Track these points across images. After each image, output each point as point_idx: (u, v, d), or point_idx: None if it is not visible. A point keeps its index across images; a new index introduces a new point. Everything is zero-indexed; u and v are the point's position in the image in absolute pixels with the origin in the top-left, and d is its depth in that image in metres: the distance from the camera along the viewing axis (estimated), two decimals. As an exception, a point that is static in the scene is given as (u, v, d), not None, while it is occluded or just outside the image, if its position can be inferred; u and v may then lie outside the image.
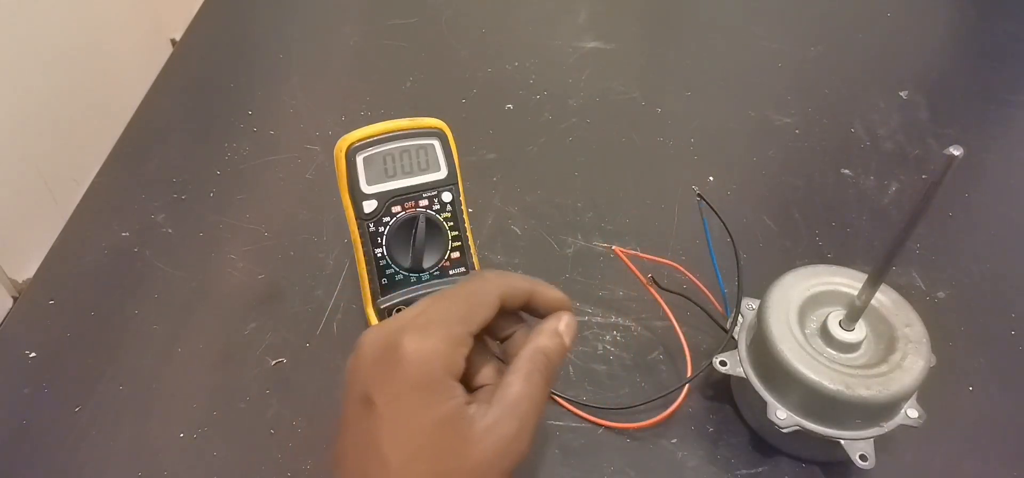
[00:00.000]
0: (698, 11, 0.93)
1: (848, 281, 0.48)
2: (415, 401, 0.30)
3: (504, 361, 0.36)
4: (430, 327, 0.32)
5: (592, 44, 0.83)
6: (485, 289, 0.34)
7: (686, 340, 0.52)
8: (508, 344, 0.36)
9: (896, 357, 0.44)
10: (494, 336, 0.36)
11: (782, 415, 0.45)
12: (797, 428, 0.44)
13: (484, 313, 0.33)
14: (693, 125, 0.73)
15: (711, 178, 0.67)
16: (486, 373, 0.34)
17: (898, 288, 0.48)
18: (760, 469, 0.47)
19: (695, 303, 0.53)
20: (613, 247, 0.59)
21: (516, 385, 0.32)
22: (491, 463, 0.30)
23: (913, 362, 0.44)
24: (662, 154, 0.70)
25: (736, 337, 0.50)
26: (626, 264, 0.57)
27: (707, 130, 0.72)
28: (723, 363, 0.48)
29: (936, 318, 0.48)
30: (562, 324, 0.35)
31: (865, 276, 0.45)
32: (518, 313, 0.36)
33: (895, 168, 0.69)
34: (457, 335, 0.32)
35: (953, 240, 0.62)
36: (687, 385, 0.50)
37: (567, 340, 0.35)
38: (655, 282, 0.54)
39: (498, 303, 0.34)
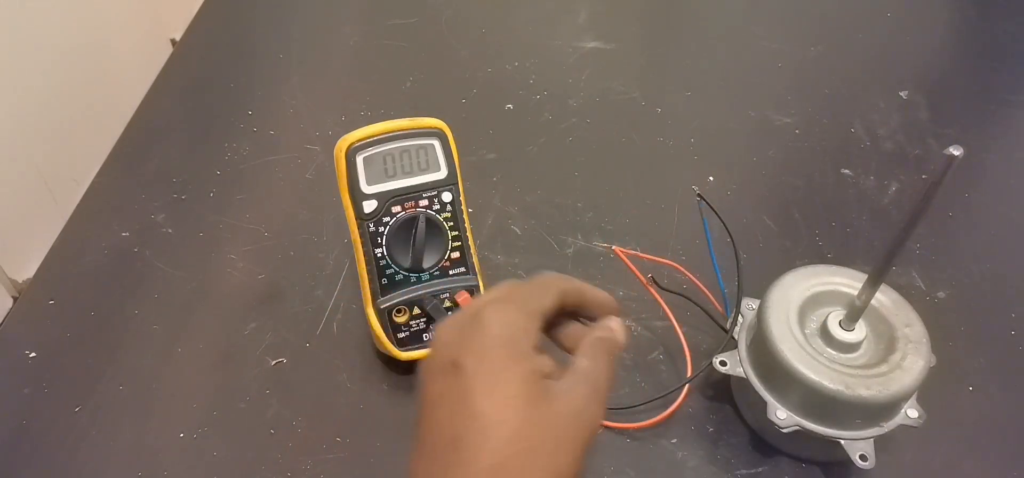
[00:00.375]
0: (698, 11, 0.93)
1: (848, 281, 0.48)
2: (503, 356, 0.33)
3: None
4: (507, 301, 0.35)
5: (592, 44, 0.83)
6: (549, 281, 0.37)
7: (686, 340, 0.52)
8: (565, 338, 0.38)
9: (896, 357, 0.44)
10: (552, 337, 0.38)
11: (782, 415, 0.45)
12: (797, 428, 0.44)
13: (551, 299, 0.36)
14: (693, 125, 0.73)
15: (711, 178, 0.67)
16: (549, 363, 0.36)
17: (898, 288, 0.48)
18: (760, 469, 0.47)
19: (695, 303, 0.53)
20: (613, 247, 0.59)
21: (584, 362, 0.35)
22: (570, 422, 0.33)
23: (913, 362, 0.44)
24: (662, 154, 0.70)
25: (736, 337, 0.50)
26: (626, 264, 0.57)
27: (707, 130, 0.72)
28: (723, 363, 0.48)
29: (936, 318, 0.48)
30: (615, 323, 0.37)
31: (865, 276, 0.45)
32: (574, 315, 0.38)
33: (895, 168, 0.69)
34: (531, 310, 0.35)
35: (953, 240, 0.62)
36: (687, 385, 0.50)
37: (621, 337, 0.37)
38: (655, 282, 0.54)
39: (560, 296, 0.36)
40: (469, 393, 0.32)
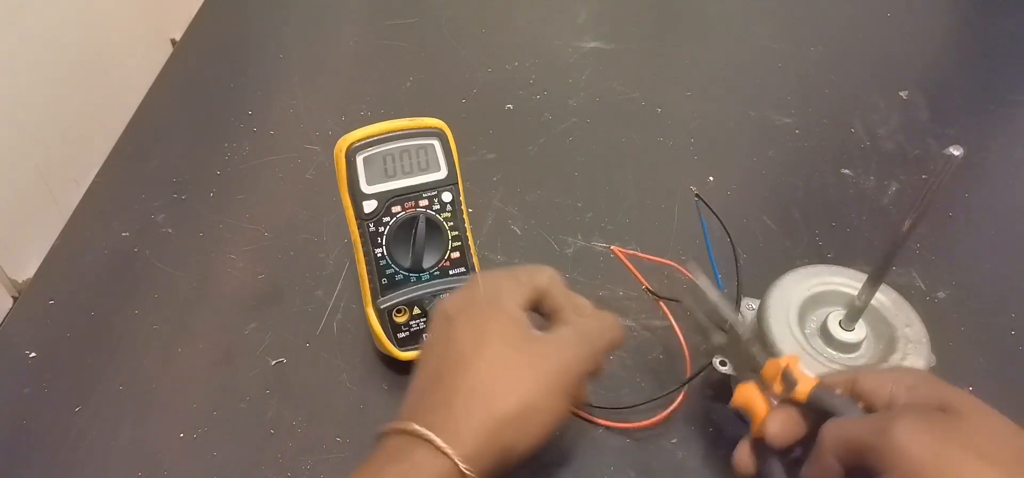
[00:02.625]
0: (698, 11, 0.93)
1: (848, 281, 0.48)
2: (487, 308, 0.38)
3: None
4: (498, 273, 0.41)
5: (592, 44, 0.83)
6: (544, 268, 0.42)
7: (685, 340, 0.52)
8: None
9: (896, 357, 0.44)
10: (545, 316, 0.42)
11: None
12: None
13: (542, 278, 0.41)
14: (693, 125, 0.73)
15: (711, 178, 0.67)
16: (534, 322, 0.40)
17: (898, 288, 0.48)
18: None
19: (693, 305, 0.53)
20: (611, 247, 0.59)
21: (575, 318, 0.40)
22: (549, 361, 0.37)
23: (913, 362, 0.44)
24: (662, 154, 0.70)
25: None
26: (624, 264, 0.57)
27: (707, 130, 0.72)
28: (723, 363, 0.48)
29: (936, 318, 0.48)
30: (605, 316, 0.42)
31: (865, 276, 0.45)
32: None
33: (895, 168, 0.69)
34: (520, 280, 0.40)
35: (953, 240, 0.62)
36: (686, 385, 0.50)
37: (610, 323, 0.42)
38: (652, 293, 0.54)
39: (550, 279, 0.41)
40: (454, 337, 0.37)
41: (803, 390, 0.37)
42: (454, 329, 0.37)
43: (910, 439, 0.31)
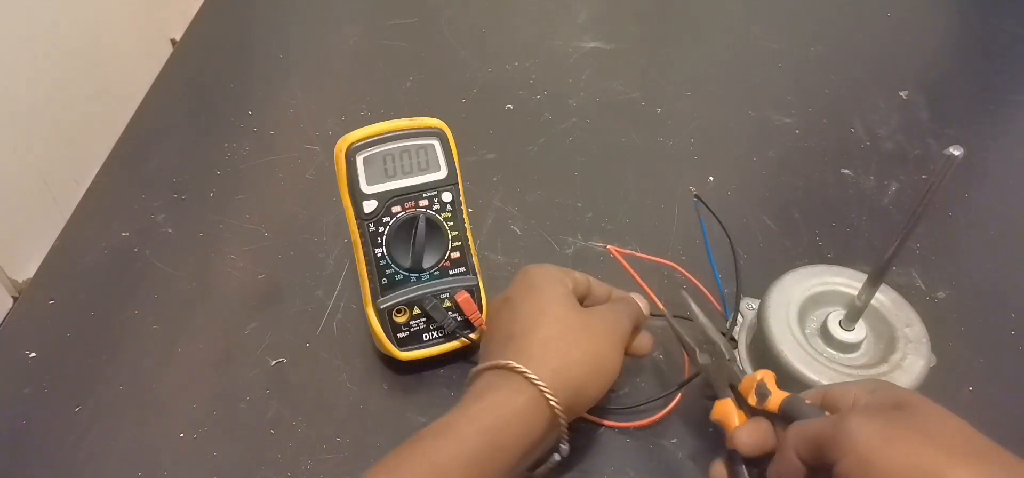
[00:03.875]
0: (698, 11, 0.93)
1: (847, 281, 0.48)
2: (543, 284, 0.44)
3: None
4: (546, 264, 0.47)
5: (592, 44, 0.83)
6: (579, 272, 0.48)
7: (683, 338, 0.52)
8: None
9: (896, 357, 0.44)
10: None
11: None
12: None
13: (579, 276, 0.47)
14: (693, 125, 0.73)
15: (711, 178, 0.67)
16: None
17: (898, 288, 0.48)
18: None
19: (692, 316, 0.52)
20: (607, 246, 0.59)
21: (612, 301, 0.47)
22: (603, 324, 0.43)
23: (913, 362, 0.44)
24: (662, 154, 0.70)
25: (736, 338, 0.50)
26: (622, 265, 0.57)
27: (707, 130, 0.72)
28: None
29: (936, 318, 0.48)
30: (634, 296, 0.48)
31: (864, 276, 0.45)
32: None
33: (895, 168, 0.69)
34: (565, 269, 0.46)
35: (953, 240, 0.62)
36: (684, 387, 0.50)
37: (641, 304, 0.48)
38: (659, 314, 0.53)
39: (587, 281, 0.47)
40: (517, 305, 0.44)
41: (775, 401, 0.39)
42: (514, 305, 0.44)
43: (861, 427, 0.33)
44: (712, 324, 0.46)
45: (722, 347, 0.44)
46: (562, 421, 0.40)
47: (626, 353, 0.45)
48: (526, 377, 0.39)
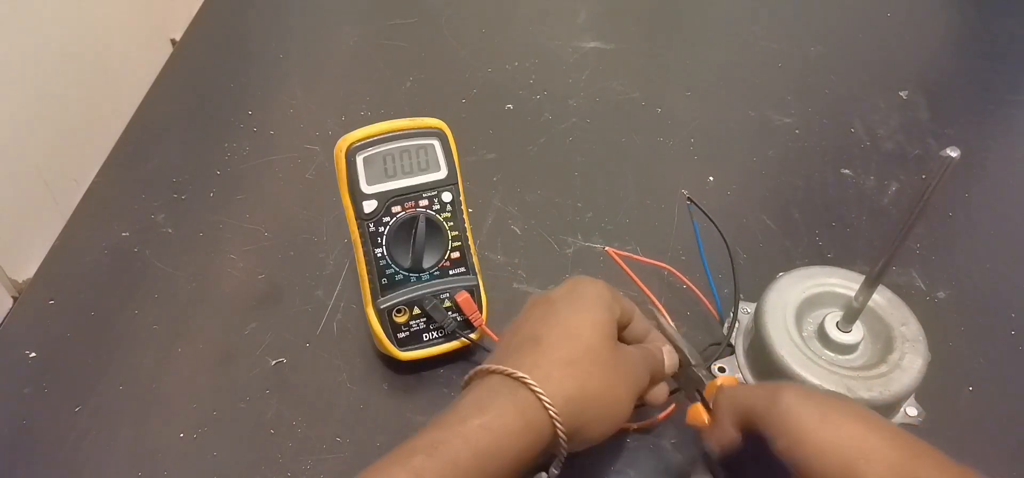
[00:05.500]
0: (698, 11, 0.93)
1: (843, 282, 0.48)
2: (591, 299, 0.41)
3: None
4: (601, 284, 0.42)
5: (592, 44, 0.83)
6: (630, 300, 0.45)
7: (685, 344, 0.52)
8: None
9: (894, 356, 0.44)
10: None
11: None
12: None
13: (627, 305, 0.43)
14: (693, 125, 0.73)
15: (711, 178, 0.67)
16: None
17: (898, 288, 0.48)
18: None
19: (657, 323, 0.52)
20: (606, 248, 0.59)
21: (643, 344, 0.44)
22: (629, 367, 0.40)
23: (912, 361, 0.44)
24: (662, 154, 0.70)
25: (733, 342, 0.50)
26: (622, 267, 0.57)
27: (707, 130, 0.72)
28: (722, 370, 0.48)
29: (936, 318, 0.48)
30: (665, 349, 0.44)
31: (859, 276, 0.45)
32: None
33: (895, 168, 0.69)
34: (618, 296, 0.43)
35: (953, 240, 0.62)
36: (677, 392, 0.50)
37: (668, 360, 0.44)
38: (662, 326, 0.53)
39: (633, 313, 0.44)
40: (557, 309, 0.40)
41: None
42: (555, 304, 0.40)
43: (798, 403, 0.35)
44: (674, 329, 0.45)
45: (687, 353, 0.44)
46: (563, 452, 0.37)
47: (639, 403, 0.42)
48: (538, 399, 0.36)
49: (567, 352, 0.38)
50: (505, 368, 0.37)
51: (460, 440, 0.34)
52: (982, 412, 0.51)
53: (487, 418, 0.35)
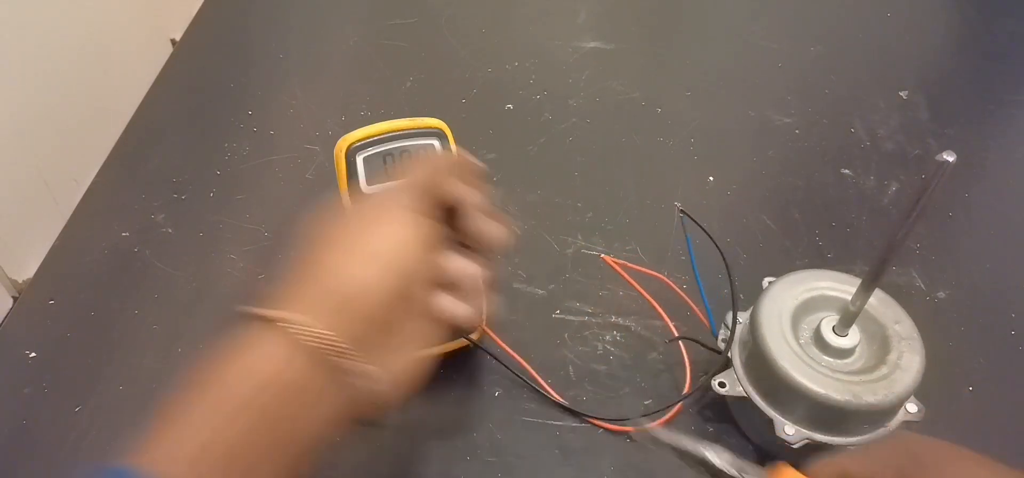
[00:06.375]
0: (698, 11, 0.93)
1: (836, 285, 0.47)
2: (379, 215, 0.36)
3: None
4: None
5: (592, 44, 0.83)
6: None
7: (684, 346, 0.52)
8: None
9: (893, 357, 0.44)
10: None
11: (791, 431, 0.44)
12: (807, 442, 0.44)
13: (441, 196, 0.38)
14: (693, 125, 0.73)
15: (711, 178, 0.67)
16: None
17: (898, 288, 0.48)
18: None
19: (694, 340, 0.51)
20: (602, 255, 0.59)
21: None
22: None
23: (910, 359, 0.44)
24: (662, 154, 0.70)
25: (730, 355, 0.49)
26: (620, 275, 0.57)
27: (707, 130, 0.72)
28: (722, 385, 0.47)
29: (936, 318, 0.48)
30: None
31: (853, 278, 0.44)
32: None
33: (895, 168, 0.69)
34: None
35: (953, 240, 0.62)
36: (685, 399, 0.50)
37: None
38: (673, 339, 0.52)
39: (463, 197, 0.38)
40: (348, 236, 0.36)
41: None
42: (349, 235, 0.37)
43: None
44: (718, 453, 0.43)
45: (715, 461, 0.42)
46: (345, 361, 0.32)
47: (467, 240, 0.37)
48: (285, 328, 0.32)
49: (327, 263, 0.35)
50: (257, 310, 0.33)
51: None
52: (982, 412, 0.51)
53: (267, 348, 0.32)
